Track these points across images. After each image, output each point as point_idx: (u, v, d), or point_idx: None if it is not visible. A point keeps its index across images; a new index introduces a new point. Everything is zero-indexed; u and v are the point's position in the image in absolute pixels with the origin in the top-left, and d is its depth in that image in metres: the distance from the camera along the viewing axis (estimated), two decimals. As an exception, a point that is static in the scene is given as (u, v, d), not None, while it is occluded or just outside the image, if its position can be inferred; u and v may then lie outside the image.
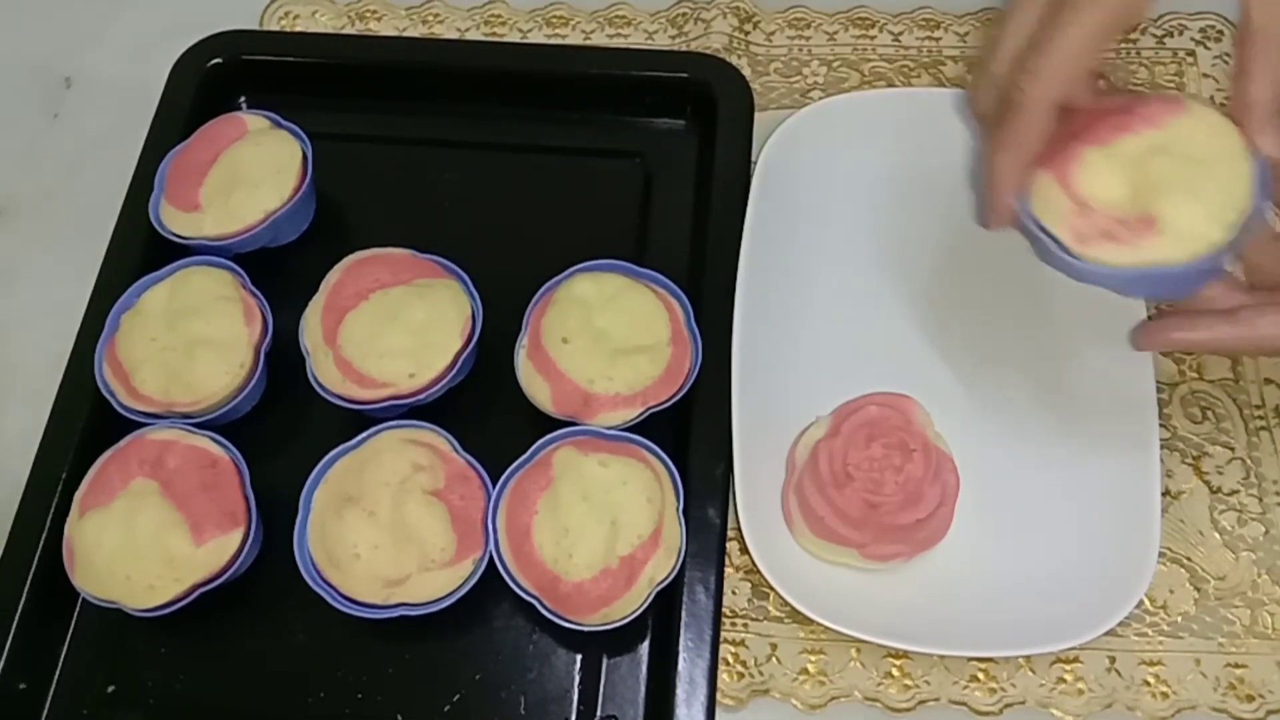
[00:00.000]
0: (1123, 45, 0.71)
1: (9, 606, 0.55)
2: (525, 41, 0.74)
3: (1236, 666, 0.54)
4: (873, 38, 0.73)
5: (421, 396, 0.57)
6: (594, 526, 0.51)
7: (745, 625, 0.56)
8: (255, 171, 0.62)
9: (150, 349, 0.58)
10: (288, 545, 0.54)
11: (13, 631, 0.55)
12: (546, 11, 0.75)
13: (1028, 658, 0.55)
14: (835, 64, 0.72)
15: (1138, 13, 0.47)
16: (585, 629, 0.52)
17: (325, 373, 0.58)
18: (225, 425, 0.59)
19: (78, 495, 0.55)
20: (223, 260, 0.61)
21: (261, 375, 0.60)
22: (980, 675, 0.55)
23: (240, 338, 0.58)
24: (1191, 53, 0.70)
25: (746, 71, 0.70)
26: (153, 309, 0.59)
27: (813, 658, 0.55)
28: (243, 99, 0.71)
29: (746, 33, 0.73)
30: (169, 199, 0.63)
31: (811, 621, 0.53)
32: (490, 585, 0.54)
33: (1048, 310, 0.62)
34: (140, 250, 0.64)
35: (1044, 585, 0.54)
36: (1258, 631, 0.55)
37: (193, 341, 0.57)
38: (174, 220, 0.63)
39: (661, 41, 0.73)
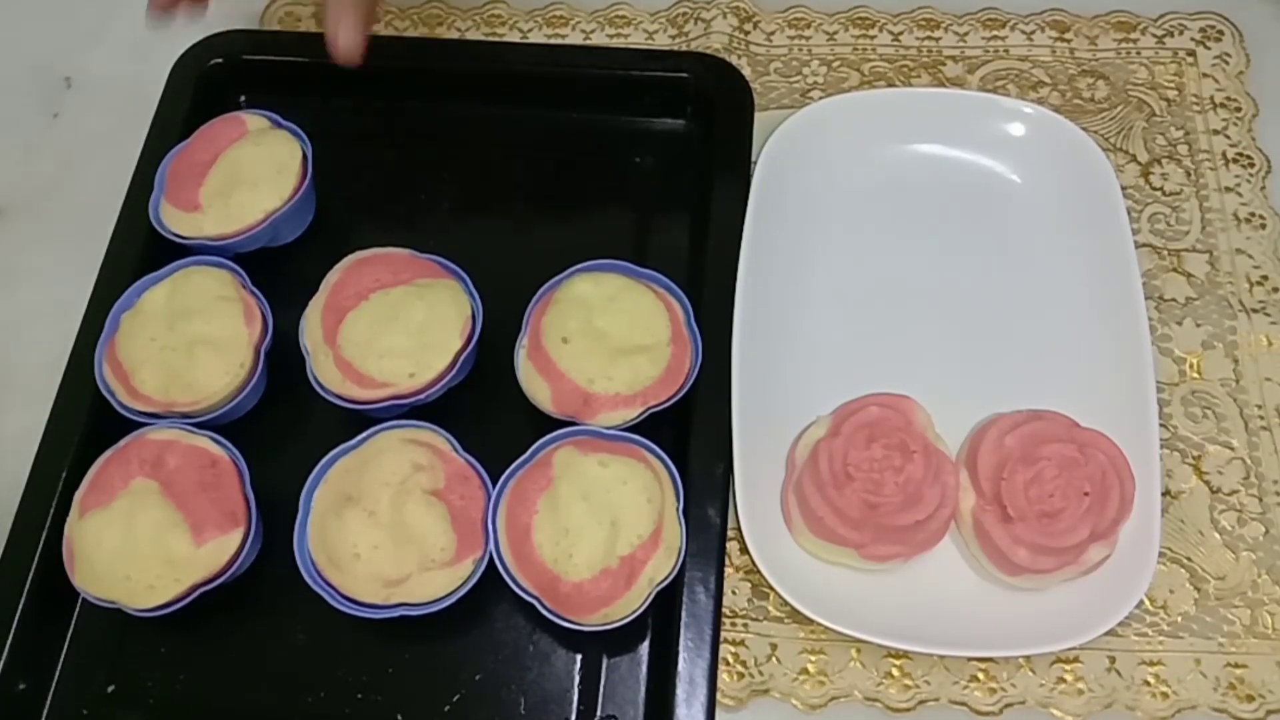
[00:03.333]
0: (1123, 45, 0.71)
1: (9, 606, 0.55)
2: (525, 41, 0.74)
3: (1236, 666, 0.54)
4: (873, 38, 0.73)
5: (422, 396, 0.57)
6: (594, 526, 0.51)
7: (745, 625, 0.56)
8: (255, 171, 0.62)
9: (150, 349, 0.58)
10: (288, 545, 0.54)
11: (13, 631, 0.55)
12: (546, 11, 0.75)
13: (1028, 658, 0.55)
14: (835, 64, 0.72)
15: None
16: (585, 629, 0.52)
17: (325, 373, 0.58)
18: (225, 425, 0.58)
19: (78, 495, 0.55)
20: (222, 260, 0.61)
21: (261, 375, 0.60)
22: (980, 675, 0.55)
23: (240, 338, 0.58)
24: (1191, 53, 0.71)
25: (746, 71, 0.70)
26: (153, 309, 0.59)
27: (813, 658, 0.55)
28: (243, 99, 0.71)
29: (746, 33, 0.73)
30: (169, 199, 0.63)
31: (811, 621, 0.54)
32: (490, 585, 0.54)
33: (1049, 311, 0.62)
34: (140, 250, 0.63)
35: (1044, 585, 0.54)
36: (1258, 631, 0.55)
37: (193, 341, 0.57)
38: (174, 220, 0.63)
39: (661, 41, 0.73)
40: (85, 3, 0.78)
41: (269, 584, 0.57)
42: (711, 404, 0.57)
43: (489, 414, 0.60)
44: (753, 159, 0.65)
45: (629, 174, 0.68)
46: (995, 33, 0.72)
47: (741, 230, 0.61)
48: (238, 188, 0.62)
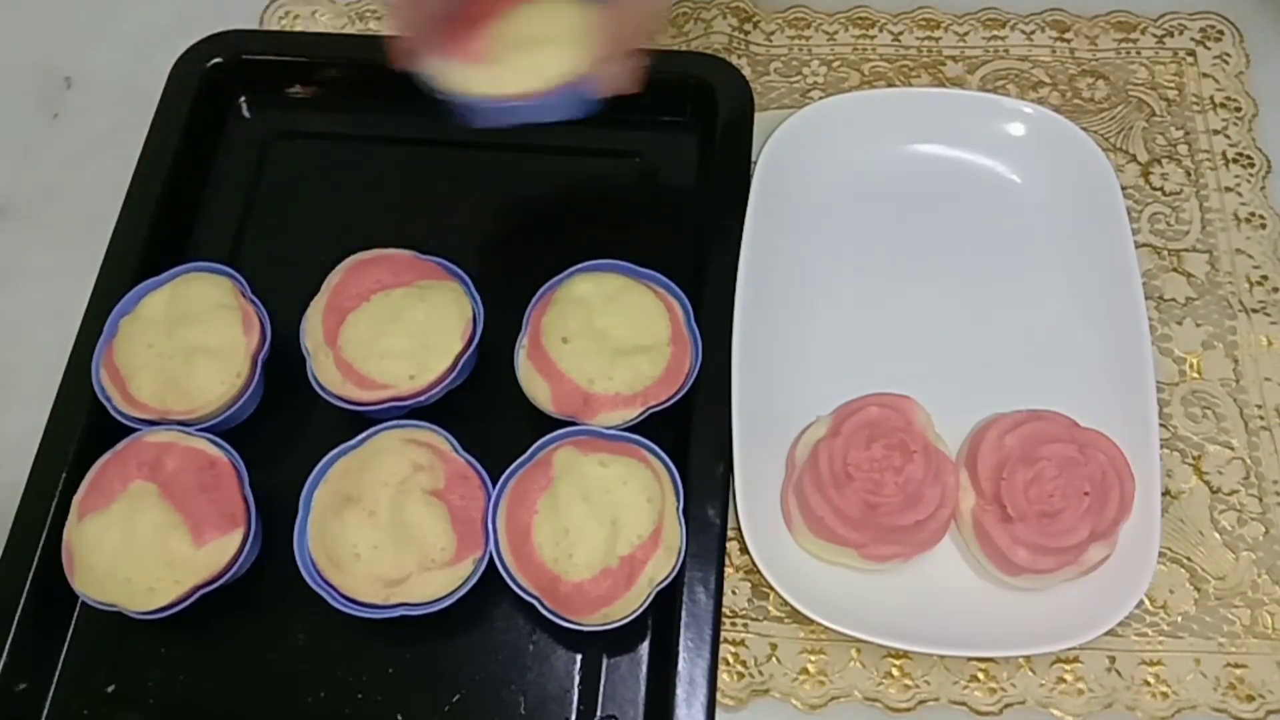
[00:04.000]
0: (1123, 45, 0.71)
1: (9, 608, 0.55)
2: (525, 41, 0.74)
3: (1236, 666, 0.54)
4: (872, 38, 0.73)
5: (422, 398, 0.57)
6: (594, 526, 0.51)
7: (745, 625, 0.56)
8: (548, 31, 0.52)
9: (148, 355, 0.57)
10: (288, 545, 0.54)
11: (13, 632, 0.55)
12: (546, 11, 0.75)
13: (1028, 658, 0.55)
14: (835, 64, 0.72)
15: None
16: (585, 629, 0.52)
17: (326, 373, 0.58)
18: (223, 430, 0.58)
19: (76, 499, 0.55)
20: (222, 267, 0.61)
21: (259, 384, 0.59)
22: (980, 675, 0.55)
23: (238, 347, 0.58)
24: (1191, 53, 0.71)
25: (746, 71, 0.70)
26: (152, 315, 0.59)
27: (813, 658, 0.55)
28: (243, 99, 0.71)
29: (746, 33, 0.73)
30: (440, 51, 0.53)
31: (811, 621, 0.54)
32: (490, 585, 0.54)
33: (1049, 311, 0.62)
34: (139, 252, 0.63)
35: (1044, 585, 0.54)
36: (1258, 631, 0.55)
37: (190, 349, 0.57)
38: (456, 74, 0.53)
39: (661, 41, 0.73)
40: (85, 3, 0.78)
41: (269, 584, 0.57)
42: (711, 404, 0.57)
43: (489, 414, 0.60)
44: (753, 159, 0.65)
45: (629, 174, 0.68)
46: (995, 33, 0.72)
47: (741, 230, 0.61)
48: (534, 46, 0.52)
